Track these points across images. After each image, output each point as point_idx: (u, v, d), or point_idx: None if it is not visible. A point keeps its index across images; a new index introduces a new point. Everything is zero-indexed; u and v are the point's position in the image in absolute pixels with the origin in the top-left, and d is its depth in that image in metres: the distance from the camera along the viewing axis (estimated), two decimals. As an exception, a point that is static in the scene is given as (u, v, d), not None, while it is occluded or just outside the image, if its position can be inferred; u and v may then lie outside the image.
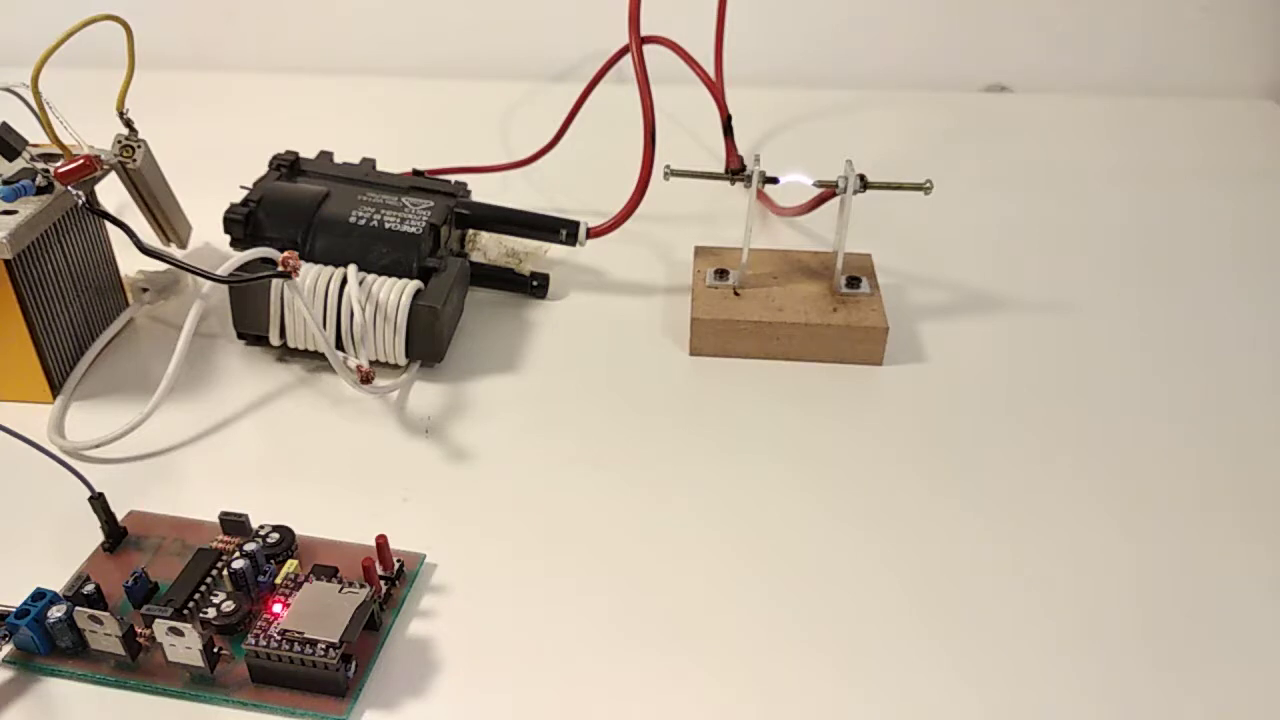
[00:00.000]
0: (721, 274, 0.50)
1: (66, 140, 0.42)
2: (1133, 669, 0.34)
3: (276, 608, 0.32)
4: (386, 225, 0.47)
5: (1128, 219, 0.60)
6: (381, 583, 0.35)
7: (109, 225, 0.44)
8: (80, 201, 0.41)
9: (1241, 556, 0.38)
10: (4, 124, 0.43)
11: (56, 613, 0.32)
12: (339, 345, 0.45)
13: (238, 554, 0.35)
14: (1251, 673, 0.34)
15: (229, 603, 0.34)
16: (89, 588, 0.34)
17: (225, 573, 0.35)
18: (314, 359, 0.47)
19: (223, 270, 0.42)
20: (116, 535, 0.37)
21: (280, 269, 0.42)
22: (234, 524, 0.37)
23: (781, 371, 0.47)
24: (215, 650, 0.33)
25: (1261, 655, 0.34)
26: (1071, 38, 0.75)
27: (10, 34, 0.73)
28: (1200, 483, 0.41)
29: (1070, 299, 0.52)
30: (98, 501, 0.36)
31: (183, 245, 0.53)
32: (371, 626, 0.34)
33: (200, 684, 0.32)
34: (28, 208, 0.41)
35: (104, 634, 0.32)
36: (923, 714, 0.32)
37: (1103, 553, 0.38)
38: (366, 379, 0.42)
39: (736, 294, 0.49)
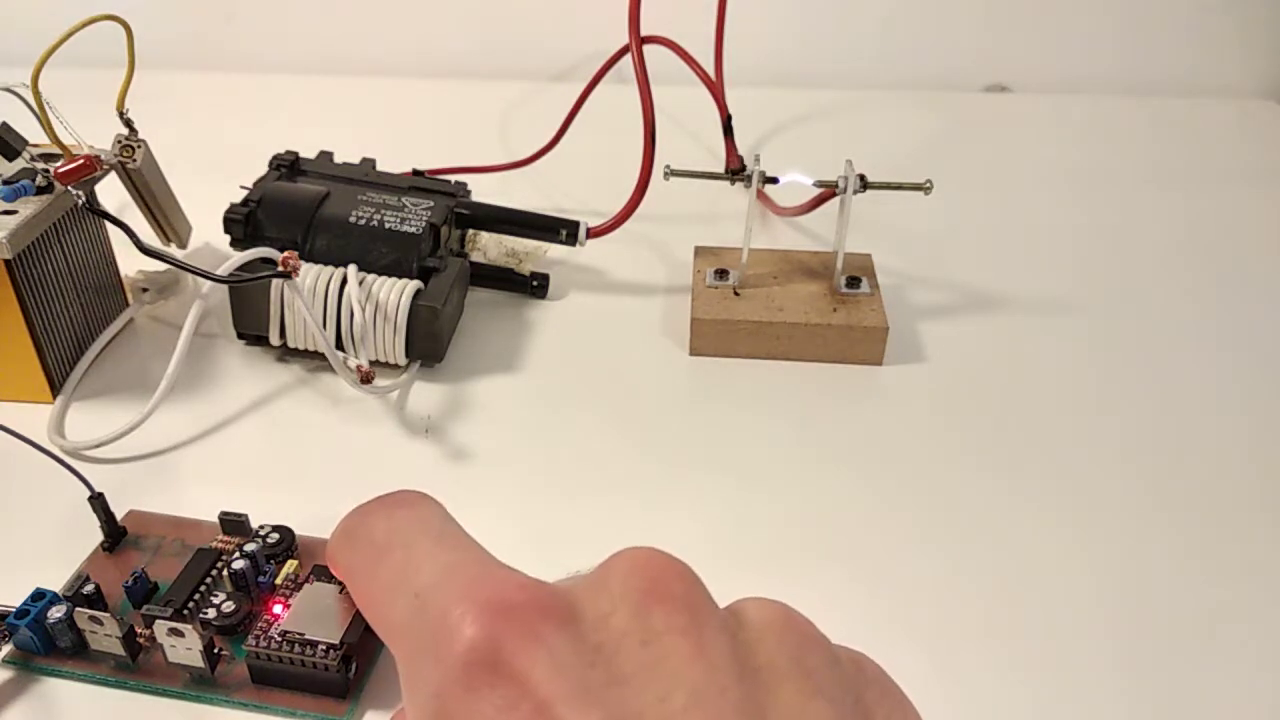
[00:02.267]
0: (721, 274, 0.50)
1: (66, 140, 0.42)
2: (1132, 669, 0.34)
3: (277, 608, 0.32)
4: (386, 225, 0.47)
5: (1127, 219, 0.60)
6: (382, 583, 0.35)
7: (109, 225, 0.44)
8: (80, 201, 0.41)
9: (1241, 556, 0.38)
10: (4, 124, 0.43)
11: (56, 613, 0.32)
12: (339, 345, 0.45)
13: (238, 554, 0.35)
14: (1251, 673, 0.34)
15: (229, 603, 0.34)
16: (89, 588, 0.34)
17: (225, 573, 0.34)
18: (314, 359, 0.47)
19: (223, 270, 0.42)
20: (116, 535, 0.37)
21: (280, 269, 0.42)
22: (234, 524, 0.37)
23: (781, 371, 0.47)
24: (215, 651, 0.33)
25: (1262, 655, 0.34)
26: (1071, 38, 0.75)
27: (10, 34, 0.73)
28: (1200, 482, 0.41)
29: (1070, 299, 0.52)
30: (97, 501, 0.36)
31: (183, 245, 0.53)
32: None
33: (200, 685, 0.32)
34: (28, 208, 0.41)
35: (104, 634, 0.32)
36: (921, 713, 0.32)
37: (1103, 553, 0.38)
38: (366, 379, 0.42)
39: (736, 294, 0.49)
